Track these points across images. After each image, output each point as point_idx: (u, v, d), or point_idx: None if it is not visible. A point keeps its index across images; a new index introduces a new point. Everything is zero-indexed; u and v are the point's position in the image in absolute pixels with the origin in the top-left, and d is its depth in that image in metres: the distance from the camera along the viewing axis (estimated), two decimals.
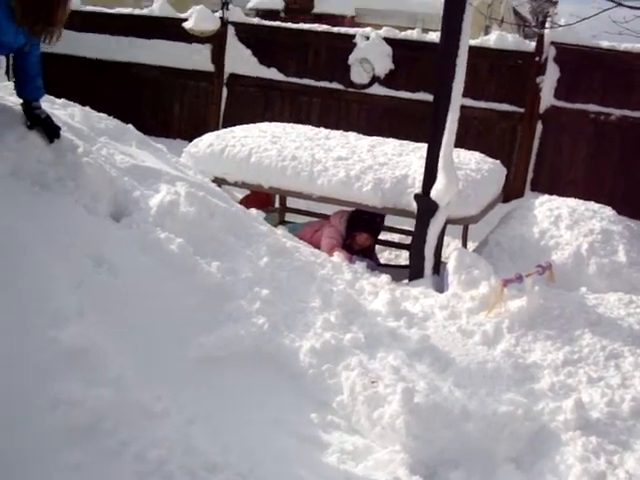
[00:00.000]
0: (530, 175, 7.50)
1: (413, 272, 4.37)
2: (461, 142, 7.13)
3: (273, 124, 6.06)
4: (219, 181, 5.11)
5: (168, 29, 8.96)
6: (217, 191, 4.21)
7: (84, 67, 9.55)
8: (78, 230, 3.11)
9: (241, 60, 8.69)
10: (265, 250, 3.75)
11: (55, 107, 4.44)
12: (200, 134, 5.81)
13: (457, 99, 4.04)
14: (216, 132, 5.49)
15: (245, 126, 5.77)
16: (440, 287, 4.25)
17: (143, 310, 2.89)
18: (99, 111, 4.62)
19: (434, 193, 4.14)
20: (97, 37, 9.53)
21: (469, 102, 7.49)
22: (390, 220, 5.42)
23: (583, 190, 6.63)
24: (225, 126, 8.72)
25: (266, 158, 4.97)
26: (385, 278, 4.23)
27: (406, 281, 4.76)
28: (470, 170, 4.84)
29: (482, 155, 5.42)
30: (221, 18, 8.51)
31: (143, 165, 3.93)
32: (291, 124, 6.10)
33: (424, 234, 4.26)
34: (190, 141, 5.55)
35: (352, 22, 14.74)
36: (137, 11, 9.54)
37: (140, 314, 2.86)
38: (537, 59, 7.25)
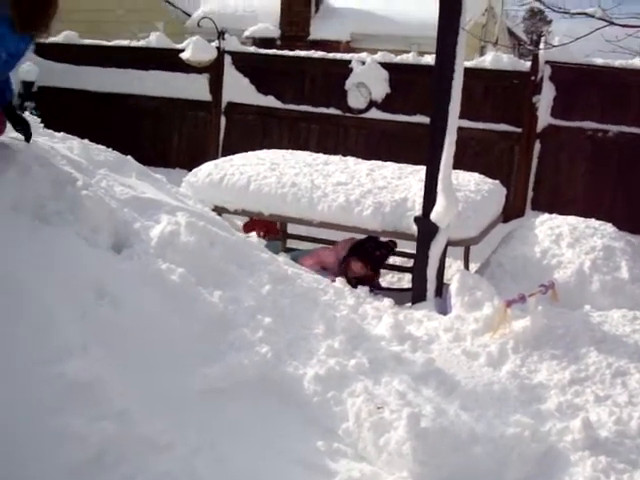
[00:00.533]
0: (530, 194, 7.53)
1: (416, 295, 4.37)
2: (459, 163, 7.17)
3: (271, 151, 6.12)
4: (219, 210, 5.13)
5: (165, 60, 9.07)
6: (217, 220, 4.24)
7: (83, 100, 9.66)
8: (79, 263, 3.13)
9: (238, 88, 8.78)
10: (267, 278, 3.76)
11: (54, 141, 4.50)
12: (199, 163, 5.86)
13: (454, 121, 4.08)
14: (215, 161, 5.54)
15: (243, 154, 5.82)
16: (443, 309, 4.25)
17: (146, 342, 2.90)
18: (99, 143, 4.67)
19: (434, 215, 4.16)
20: (95, 70, 9.65)
21: (466, 123, 7.48)
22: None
23: (583, 207, 6.67)
24: (224, 154, 8.77)
25: (265, 185, 5.00)
26: (388, 302, 4.23)
27: (409, 304, 4.77)
28: (469, 191, 4.87)
29: (481, 176, 5.46)
30: (217, 48, 8.62)
31: (143, 196, 3.96)
32: (289, 150, 6.17)
33: (425, 256, 4.28)
34: (189, 170, 5.60)
35: (348, 47, 14.90)
36: (134, 43, 9.66)
37: (143, 346, 2.87)
38: (533, 78, 7.33)
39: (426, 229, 4.25)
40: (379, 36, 17.72)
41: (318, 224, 4.82)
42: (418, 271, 4.36)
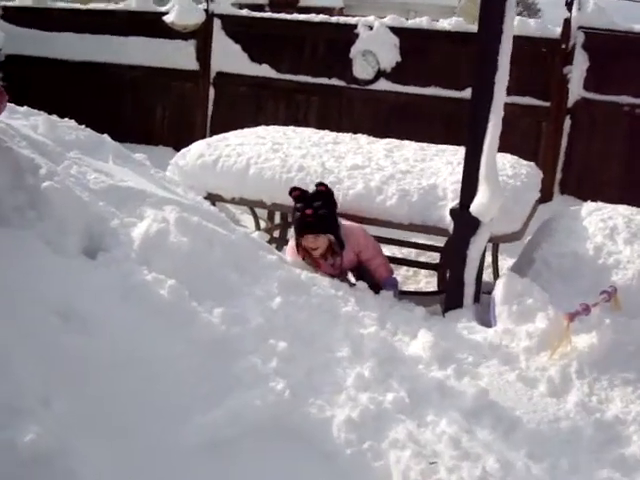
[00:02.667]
0: (559, 176, 6.95)
1: (451, 301, 3.79)
2: None
3: (272, 128, 5.48)
4: (213, 198, 4.51)
5: (147, 25, 8.41)
6: (213, 213, 3.61)
7: (55, 70, 8.96)
8: (40, 276, 2.51)
9: (229, 57, 8.17)
10: (277, 286, 3.16)
11: (16, 117, 3.85)
12: (185, 141, 5.26)
13: (500, 95, 3.47)
14: (207, 140, 4.89)
15: (240, 131, 5.17)
16: (485, 320, 3.67)
17: (125, 383, 2.29)
18: (72, 119, 4.04)
19: (475, 207, 3.56)
20: (69, 36, 8.97)
21: None
22: (401, 234, 4.75)
23: (618, 192, 6.12)
24: (213, 131, 8.21)
25: (268, 169, 4.37)
26: (420, 312, 3.65)
27: (430, 306, 4.20)
28: (507, 176, 4.26)
29: (515, 157, 4.86)
30: (206, 10, 7.94)
31: (123, 185, 3.33)
32: (292, 127, 5.53)
33: (463, 256, 3.68)
34: (175, 148, 4.97)
35: (340, 14, 14.16)
36: (112, 6, 8.92)
37: (120, 389, 2.26)
38: (563, 46, 6.72)
39: (465, 224, 3.65)
40: (374, 2, 16.99)
41: None
42: (454, 273, 3.76)
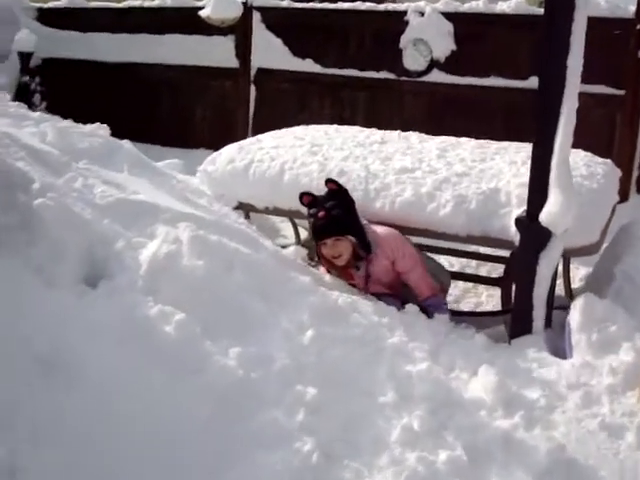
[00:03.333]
0: (635, 173, 6.33)
1: (517, 326, 3.30)
2: None
3: (311, 127, 5.06)
4: (245, 208, 4.13)
5: (184, 21, 8.09)
6: (238, 228, 3.22)
7: (91, 72, 8.77)
8: (25, 314, 2.17)
9: (270, 52, 7.79)
10: (308, 316, 2.74)
11: (25, 124, 3.56)
12: (226, 142, 4.89)
13: (574, 83, 2.99)
14: (239, 143, 4.51)
15: (276, 132, 4.78)
16: (558, 347, 3.18)
17: (117, 447, 1.91)
18: (107, 122, 3.79)
19: (546, 217, 3.06)
20: (104, 36, 8.76)
21: None
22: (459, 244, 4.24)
23: None
24: (255, 131, 7.85)
25: (304, 175, 3.96)
26: (480, 340, 3.18)
27: (498, 328, 3.72)
28: (582, 177, 3.74)
29: (588, 154, 4.31)
30: (244, 3, 7.57)
31: (134, 199, 2.98)
32: (334, 126, 5.10)
33: (532, 273, 3.19)
34: (215, 150, 4.60)
35: (389, 1, 13.62)
36: (148, 3, 8.67)
37: (112, 455, 1.88)
38: (639, 27, 6.08)
39: (533, 236, 3.16)
40: None
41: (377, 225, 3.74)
42: (521, 293, 3.27)
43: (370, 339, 2.82)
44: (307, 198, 3.52)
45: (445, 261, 5.04)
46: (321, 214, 3.41)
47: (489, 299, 4.87)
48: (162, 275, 2.54)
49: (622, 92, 6.28)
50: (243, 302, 2.64)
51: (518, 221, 3.23)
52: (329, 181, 3.53)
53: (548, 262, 3.17)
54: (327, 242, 3.44)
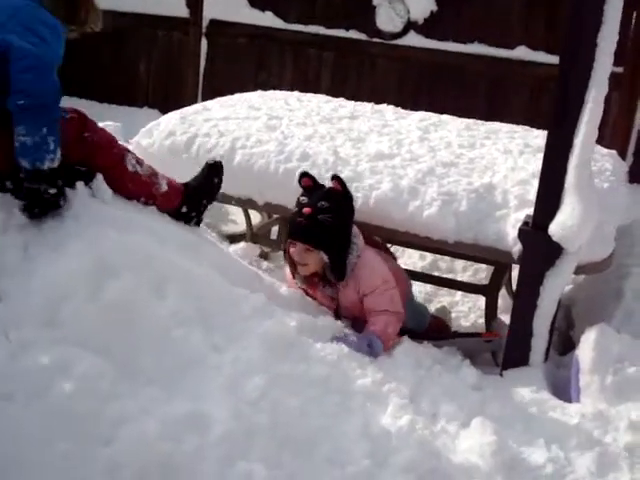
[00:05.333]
0: (629, 161, 5.88)
1: (512, 355, 2.83)
2: (533, 116, 5.61)
3: (269, 94, 4.48)
4: None
5: None
6: (172, 231, 2.62)
7: None
8: None
9: (225, 1, 7.09)
10: (260, 352, 2.19)
11: None
12: (174, 101, 4.32)
13: (605, 65, 2.46)
14: (181, 111, 3.88)
15: (226, 100, 4.17)
16: (562, 388, 2.71)
17: None
18: None
19: (558, 229, 2.56)
20: None
21: (542, 57, 5.98)
22: None
23: None
24: (206, 90, 7.21)
25: (259, 156, 3.38)
26: (468, 375, 2.70)
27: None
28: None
29: None
30: None
31: None
32: (296, 93, 4.54)
33: (534, 295, 2.70)
34: (161, 110, 4.01)
35: None
36: None
37: None
38: None
39: (540, 250, 2.66)
40: None
41: None
42: (519, 317, 2.78)
43: (336, 382, 2.30)
44: (307, 181, 2.93)
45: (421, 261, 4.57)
46: (306, 210, 2.84)
47: (464, 299, 4.40)
48: (65, 301, 1.95)
49: (620, 69, 5.80)
50: (175, 336, 2.07)
51: (522, 233, 2.71)
52: (335, 177, 2.94)
53: (555, 283, 2.69)
54: (298, 245, 2.87)
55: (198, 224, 2.83)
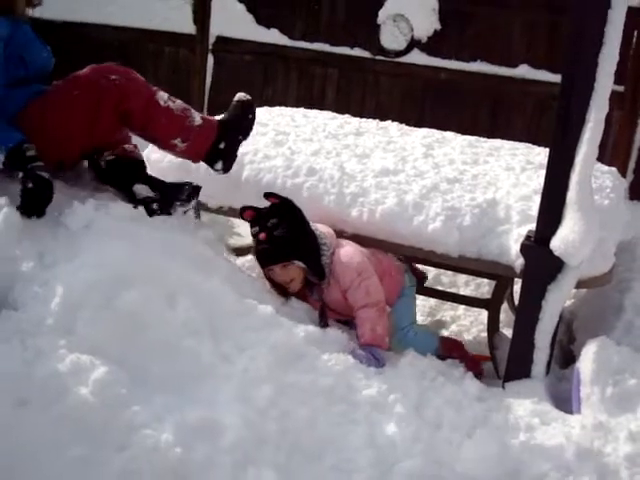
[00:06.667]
0: (629, 178, 5.96)
1: (514, 368, 2.88)
2: (534, 134, 5.68)
3: (277, 110, 4.55)
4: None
5: None
6: (183, 244, 2.68)
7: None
8: None
9: (231, 18, 7.22)
10: (268, 362, 2.26)
11: None
12: None
13: (605, 85, 2.53)
14: None
15: None
16: (562, 400, 2.76)
17: None
18: None
19: (560, 244, 2.63)
20: None
21: (544, 75, 6.05)
22: None
23: None
24: (212, 106, 7.33)
25: (267, 171, 3.45)
26: (472, 386, 2.75)
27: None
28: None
29: None
30: None
31: None
32: (302, 110, 4.61)
33: (536, 309, 2.76)
34: None
35: None
36: None
37: None
38: None
39: (542, 264, 2.72)
40: None
41: (351, 237, 3.26)
42: (521, 330, 2.84)
43: (343, 392, 2.36)
44: (249, 213, 3.01)
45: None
46: (262, 236, 2.92)
47: (466, 313, 4.47)
48: (80, 310, 2.01)
49: (621, 88, 5.89)
50: (187, 345, 2.13)
51: (525, 248, 2.78)
52: (269, 194, 3.02)
53: (557, 297, 2.75)
54: (274, 269, 2.95)
55: (198, 216, 2.83)
